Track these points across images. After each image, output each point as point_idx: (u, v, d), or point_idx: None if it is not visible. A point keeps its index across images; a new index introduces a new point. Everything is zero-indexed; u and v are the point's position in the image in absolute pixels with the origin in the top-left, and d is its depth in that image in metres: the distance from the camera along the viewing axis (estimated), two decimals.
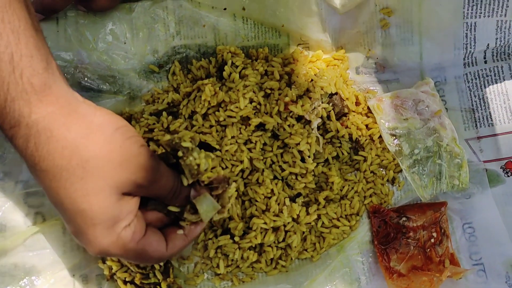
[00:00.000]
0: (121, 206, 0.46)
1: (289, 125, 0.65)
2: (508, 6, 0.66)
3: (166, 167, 0.50)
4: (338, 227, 0.67)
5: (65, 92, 0.45)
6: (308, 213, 0.66)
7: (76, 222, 0.45)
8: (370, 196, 0.69)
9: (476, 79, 0.70)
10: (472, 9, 0.66)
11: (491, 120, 0.69)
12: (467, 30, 0.68)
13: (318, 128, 0.67)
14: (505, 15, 0.67)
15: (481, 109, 0.70)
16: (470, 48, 0.68)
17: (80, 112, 0.45)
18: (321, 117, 0.66)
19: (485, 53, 0.69)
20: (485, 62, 0.69)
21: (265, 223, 0.63)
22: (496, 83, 0.70)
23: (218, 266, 0.64)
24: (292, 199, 0.66)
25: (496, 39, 0.68)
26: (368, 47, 0.71)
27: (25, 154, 0.44)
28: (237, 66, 0.67)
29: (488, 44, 0.68)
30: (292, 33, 0.70)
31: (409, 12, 0.68)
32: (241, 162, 0.64)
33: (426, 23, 0.68)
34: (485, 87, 0.70)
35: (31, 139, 0.43)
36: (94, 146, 0.44)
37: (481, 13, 0.66)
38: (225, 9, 0.67)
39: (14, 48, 0.42)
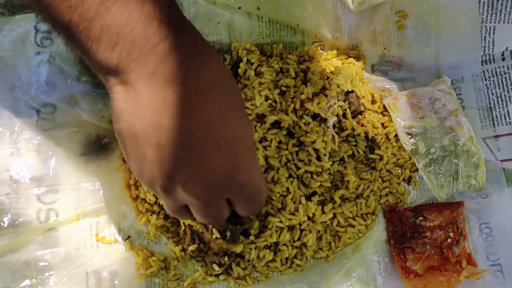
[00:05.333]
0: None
1: (304, 123, 0.65)
2: None
3: None
4: (353, 226, 0.67)
5: None
6: (323, 212, 0.65)
7: (235, 146, 0.44)
8: (386, 195, 0.68)
9: (493, 76, 0.69)
10: (491, 16, 0.65)
11: (509, 119, 0.69)
12: (485, 33, 0.67)
13: (334, 126, 0.66)
14: None
15: (499, 107, 0.69)
16: (489, 50, 0.68)
17: None
18: (337, 115, 0.66)
19: (503, 52, 0.69)
20: (503, 59, 0.69)
21: (280, 221, 0.63)
22: None
23: (232, 269, 0.64)
24: (308, 198, 0.65)
25: None
26: (384, 46, 0.70)
27: (185, 64, 0.41)
28: (252, 63, 0.66)
29: (507, 47, 0.67)
30: (307, 31, 0.69)
31: (426, 17, 0.67)
32: None
33: (443, 27, 0.67)
34: (503, 84, 0.69)
35: (192, 48, 0.42)
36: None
37: (500, 19, 0.66)
38: (239, 8, 0.67)
39: None
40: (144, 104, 0.41)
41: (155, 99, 0.41)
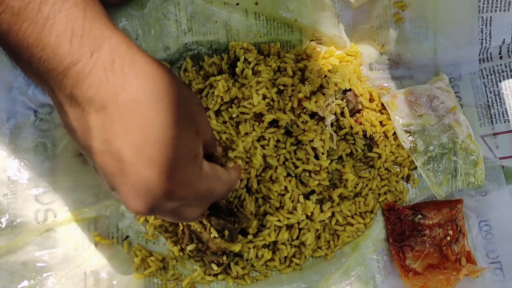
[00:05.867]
0: (199, 140, 0.45)
1: (302, 122, 0.64)
2: None
3: None
4: (352, 225, 0.66)
5: None
6: (322, 211, 0.65)
7: (166, 157, 0.40)
8: (385, 193, 0.68)
9: (491, 75, 0.69)
10: (488, 3, 0.66)
11: (507, 116, 0.69)
12: (482, 25, 0.67)
13: (332, 124, 0.66)
14: None
15: (497, 105, 0.69)
16: (486, 43, 0.68)
17: None
18: (335, 114, 0.66)
19: (500, 49, 0.68)
20: (501, 57, 0.69)
21: (279, 220, 0.63)
22: None
23: (230, 268, 0.64)
24: (306, 197, 0.65)
25: None
26: (382, 42, 0.70)
27: (104, 87, 0.38)
28: (249, 62, 0.66)
29: (504, 39, 0.67)
30: (305, 28, 0.69)
31: (424, 7, 0.67)
32: None
33: (441, 18, 0.67)
34: (500, 82, 0.69)
35: (117, 62, 0.38)
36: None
37: (497, 7, 0.66)
38: (237, 4, 0.67)
39: None
40: (75, 127, 0.40)
41: (79, 122, 0.40)
